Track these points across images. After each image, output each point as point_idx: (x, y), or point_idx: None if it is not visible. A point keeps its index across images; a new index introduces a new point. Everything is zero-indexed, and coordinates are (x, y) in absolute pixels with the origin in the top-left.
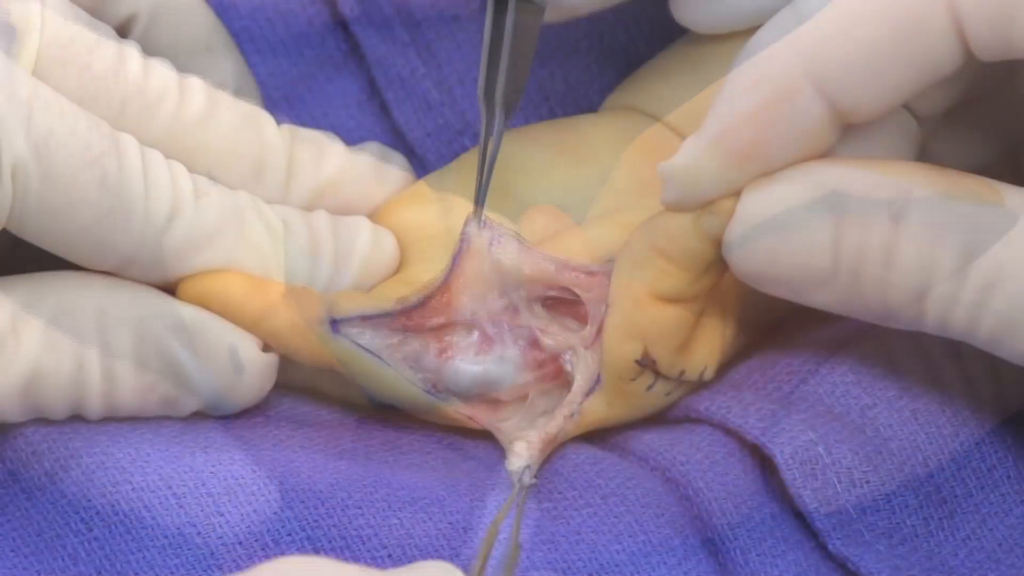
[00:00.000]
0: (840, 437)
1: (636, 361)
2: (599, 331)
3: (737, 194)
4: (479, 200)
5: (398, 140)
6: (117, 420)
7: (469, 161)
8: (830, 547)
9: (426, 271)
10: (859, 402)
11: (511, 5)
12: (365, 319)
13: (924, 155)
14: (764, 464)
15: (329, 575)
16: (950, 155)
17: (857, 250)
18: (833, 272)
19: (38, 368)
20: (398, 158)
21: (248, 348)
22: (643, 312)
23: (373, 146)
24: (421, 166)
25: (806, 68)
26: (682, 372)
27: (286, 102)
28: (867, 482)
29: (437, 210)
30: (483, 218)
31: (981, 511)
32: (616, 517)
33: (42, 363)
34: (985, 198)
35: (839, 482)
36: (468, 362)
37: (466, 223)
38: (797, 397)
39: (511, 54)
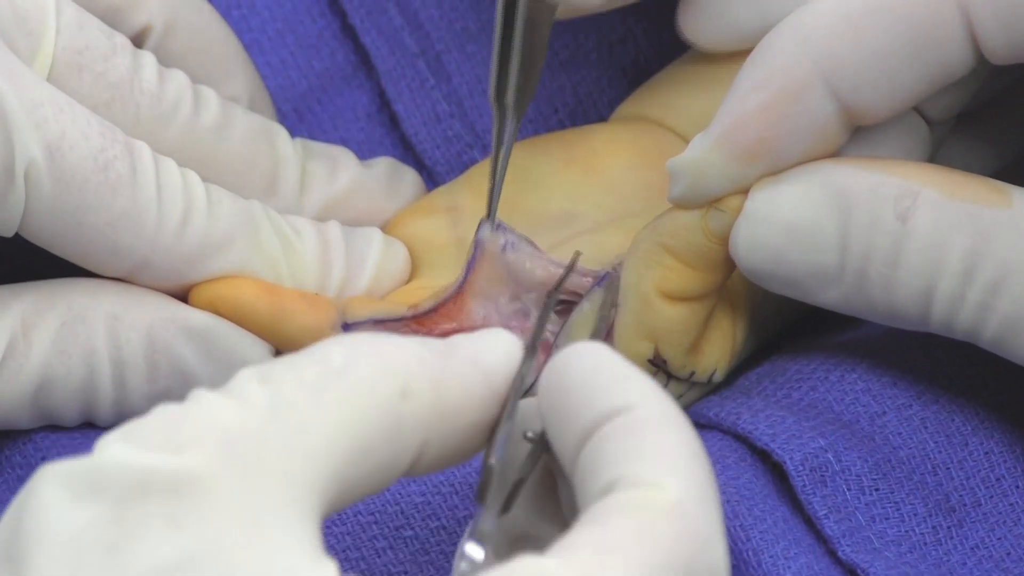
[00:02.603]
0: (850, 444)
1: (649, 360)
2: (609, 332)
3: (745, 191)
4: (492, 204)
5: (407, 152)
6: None
7: (480, 173)
8: (840, 554)
9: (437, 280)
10: (868, 410)
11: (522, 2)
12: (377, 323)
13: (935, 160)
14: (774, 470)
15: (389, 348)
16: (961, 160)
17: (864, 249)
18: (839, 271)
19: (48, 373)
20: (410, 172)
21: (260, 355)
22: (652, 310)
23: (385, 161)
24: (431, 178)
25: (817, 67)
26: (692, 373)
27: (296, 114)
28: (876, 489)
29: (447, 221)
30: (496, 221)
31: (990, 520)
32: None
33: (52, 369)
34: (992, 199)
35: (848, 489)
36: None
37: (479, 228)
38: (807, 404)
39: (522, 54)
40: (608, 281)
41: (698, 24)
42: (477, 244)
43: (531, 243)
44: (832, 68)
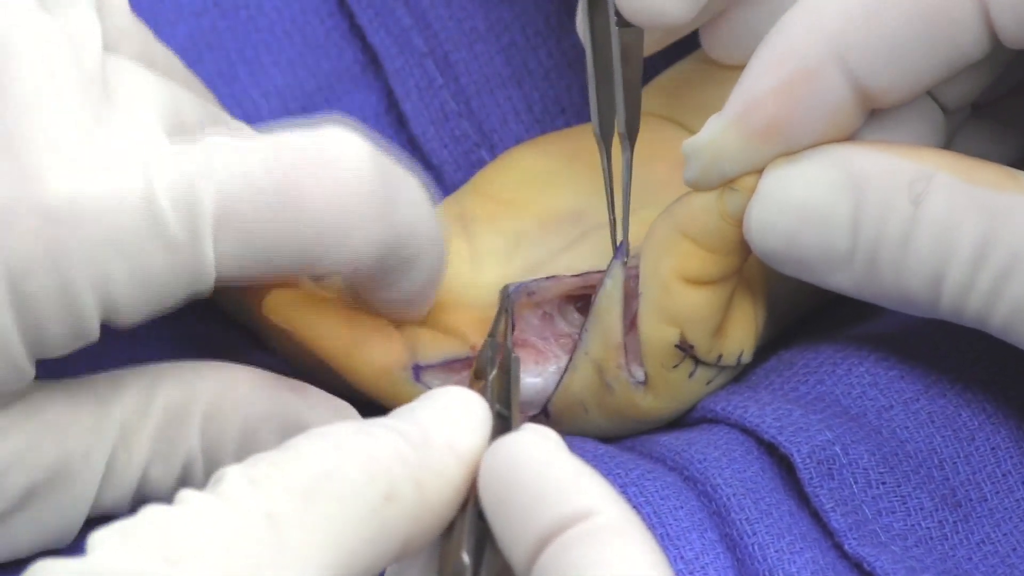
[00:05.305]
0: (857, 438)
1: (676, 346)
2: (633, 322)
3: (760, 171)
4: (616, 233)
5: (415, 151)
6: None
7: (484, 177)
8: (846, 547)
9: (451, 290)
10: (876, 403)
11: (614, 34)
12: (446, 365)
13: (951, 149)
14: (781, 463)
15: (372, 447)
16: (978, 150)
17: (875, 232)
18: (851, 253)
19: (147, 476)
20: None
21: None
22: (673, 296)
23: None
24: (438, 177)
25: (831, 48)
26: (719, 357)
27: (303, 113)
28: (883, 483)
29: (457, 229)
30: (627, 252)
31: (995, 516)
32: (635, 508)
33: (150, 472)
34: (1007, 185)
35: (855, 483)
36: (529, 374)
37: (505, 292)
38: (814, 398)
39: (625, 82)
40: (622, 254)
41: (724, 43)
42: (507, 310)
43: (548, 278)
44: (847, 49)
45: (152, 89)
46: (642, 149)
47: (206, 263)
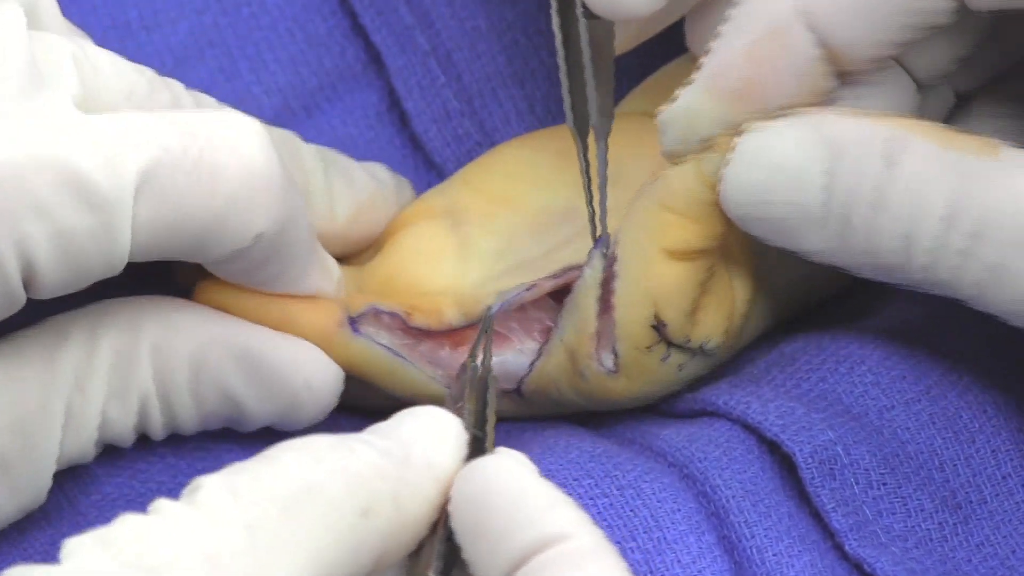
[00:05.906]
0: (858, 438)
1: (651, 325)
2: (607, 306)
3: (734, 132)
4: (596, 225)
5: (417, 150)
6: None
7: (473, 170)
8: (847, 548)
9: (437, 285)
10: (877, 403)
11: (582, 26)
12: (378, 313)
13: None
14: (782, 462)
15: (351, 462)
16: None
17: (848, 192)
18: (824, 214)
19: (106, 417)
20: (404, 179)
21: (303, 378)
22: (654, 270)
23: (380, 167)
24: (440, 176)
25: (798, 6)
26: (687, 338)
27: (304, 112)
28: (884, 484)
29: (448, 224)
30: (608, 243)
31: (995, 518)
32: (632, 511)
33: (109, 412)
34: (980, 151)
35: (857, 483)
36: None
37: (488, 312)
38: (816, 395)
39: (596, 74)
40: (602, 244)
41: (705, 39)
42: (487, 331)
43: (526, 286)
44: (813, 6)
45: (72, 60)
46: (630, 147)
47: (124, 227)
